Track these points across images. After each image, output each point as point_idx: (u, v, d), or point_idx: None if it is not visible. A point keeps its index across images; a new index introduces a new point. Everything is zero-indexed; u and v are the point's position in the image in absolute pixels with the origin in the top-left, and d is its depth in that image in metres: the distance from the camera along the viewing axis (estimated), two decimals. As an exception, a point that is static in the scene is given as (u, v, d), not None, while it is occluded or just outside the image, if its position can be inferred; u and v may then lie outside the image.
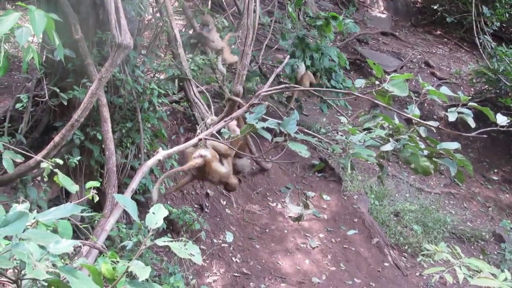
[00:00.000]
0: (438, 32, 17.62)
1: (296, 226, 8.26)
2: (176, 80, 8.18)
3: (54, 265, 1.93)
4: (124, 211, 6.28)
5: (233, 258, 7.22)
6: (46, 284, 2.19)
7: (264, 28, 12.45)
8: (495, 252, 9.39)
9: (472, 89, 14.07)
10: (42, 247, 1.91)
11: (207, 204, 7.98)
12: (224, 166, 5.46)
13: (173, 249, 2.22)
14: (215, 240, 7.41)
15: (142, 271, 2.06)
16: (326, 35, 9.67)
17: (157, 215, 2.36)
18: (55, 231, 2.43)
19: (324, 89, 7.19)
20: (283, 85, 5.32)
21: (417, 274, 8.07)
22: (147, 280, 2.28)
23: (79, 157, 5.60)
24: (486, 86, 13.32)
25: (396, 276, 7.89)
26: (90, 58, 5.72)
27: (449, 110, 3.98)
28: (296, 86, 5.68)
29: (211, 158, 5.19)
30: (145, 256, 5.82)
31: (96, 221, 5.12)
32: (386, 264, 8.10)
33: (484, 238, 9.67)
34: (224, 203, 8.19)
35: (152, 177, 6.89)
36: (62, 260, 2.83)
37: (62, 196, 6.13)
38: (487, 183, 11.92)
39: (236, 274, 6.94)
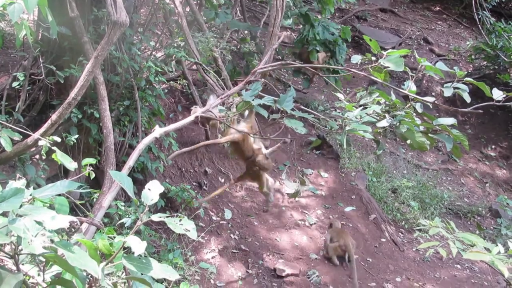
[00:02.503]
0: (437, 8, 17.51)
1: (294, 203, 8.31)
2: (174, 58, 8.15)
3: (51, 240, 1.95)
4: (122, 189, 6.33)
5: (232, 235, 7.27)
6: (43, 259, 2.22)
7: (262, 6, 12.37)
8: (491, 227, 9.48)
9: (471, 66, 14.03)
10: (38, 222, 1.93)
11: (205, 182, 8.02)
12: (255, 143, 6.17)
13: (169, 224, 2.23)
14: (213, 217, 7.46)
15: (138, 246, 2.08)
16: (327, 8, 9.63)
17: (153, 191, 2.37)
18: (52, 207, 2.44)
19: (320, 65, 7.16)
20: (278, 62, 5.30)
21: (414, 249, 8.15)
22: (144, 255, 2.32)
23: (77, 136, 5.61)
24: (485, 63, 13.27)
25: (393, 251, 7.97)
26: (86, 36, 5.69)
27: (445, 85, 3.99)
28: (292, 62, 5.66)
29: (247, 134, 5.82)
30: (144, 233, 5.86)
31: (94, 199, 5.15)
32: (383, 240, 8.17)
33: (481, 213, 9.75)
34: (223, 180, 8.22)
35: (150, 155, 6.91)
36: (59, 236, 2.86)
37: (60, 174, 6.15)
38: (484, 159, 11.97)
39: (235, 251, 7.00)
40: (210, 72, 7.08)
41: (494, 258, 3.52)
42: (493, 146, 12.41)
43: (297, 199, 8.33)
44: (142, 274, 2.20)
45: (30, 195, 2.27)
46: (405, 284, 7.24)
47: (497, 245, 3.93)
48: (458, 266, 8.08)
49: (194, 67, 8.86)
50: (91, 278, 2.29)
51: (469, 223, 9.50)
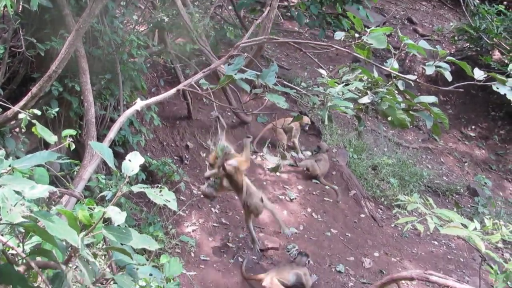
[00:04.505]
0: (422, -12, 17.47)
1: (275, 178, 8.36)
2: (157, 32, 8.07)
3: (30, 210, 1.95)
4: (104, 162, 6.30)
5: (212, 209, 7.32)
6: (23, 230, 2.22)
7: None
8: (469, 206, 9.65)
9: (454, 47, 14.09)
10: (17, 192, 1.91)
11: (187, 156, 8.02)
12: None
13: (149, 195, 2.23)
14: (194, 191, 7.49)
15: (117, 216, 2.08)
16: None
17: (133, 162, 2.36)
18: (31, 178, 2.43)
19: (305, 41, 7.14)
20: (262, 37, 5.28)
21: (392, 225, 8.28)
22: (125, 227, 2.32)
23: (57, 109, 5.54)
24: (468, 44, 13.33)
25: (372, 227, 8.09)
26: (68, 9, 5.61)
27: (427, 64, 4.02)
28: (275, 38, 5.64)
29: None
30: (124, 206, 5.88)
31: (75, 172, 5.13)
32: (363, 215, 8.28)
33: (459, 192, 9.91)
34: (204, 155, 8.22)
35: (131, 129, 6.88)
36: (40, 207, 2.85)
37: (41, 148, 6.09)
38: (464, 139, 12.12)
39: (215, 224, 7.05)
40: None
41: (470, 233, 3.59)
42: (473, 127, 12.56)
43: (278, 174, 8.39)
44: (122, 244, 2.21)
45: (9, 165, 2.25)
46: (383, 259, 7.37)
47: (473, 222, 4.01)
48: (435, 242, 8.23)
49: (177, 41, 8.80)
50: (71, 249, 2.29)
51: (447, 201, 9.66)
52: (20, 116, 3.58)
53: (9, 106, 4.44)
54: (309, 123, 9.25)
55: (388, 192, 8.94)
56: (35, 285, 2.28)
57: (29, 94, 4.70)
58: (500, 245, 7.81)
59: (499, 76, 3.84)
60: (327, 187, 8.54)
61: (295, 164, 8.83)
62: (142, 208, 6.55)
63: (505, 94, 3.80)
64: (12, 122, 5.30)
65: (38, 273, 2.13)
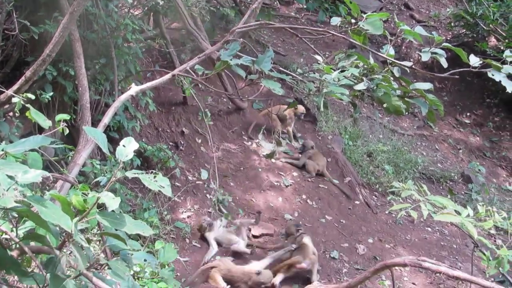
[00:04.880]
0: (419, -27, 17.37)
1: (270, 165, 8.36)
2: (152, 16, 8.01)
3: (23, 195, 1.93)
4: (98, 148, 6.28)
5: (208, 195, 7.32)
6: (16, 215, 2.21)
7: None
8: (463, 192, 9.70)
9: (450, 33, 14.05)
10: (10, 177, 1.90)
11: (182, 142, 8.00)
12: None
13: (143, 181, 2.23)
14: (190, 177, 7.49)
15: (112, 201, 2.07)
16: None
17: (127, 148, 2.35)
18: (24, 162, 2.42)
19: (301, 27, 7.10)
20: (258, 22, 5.24)
21: (386, 212, 8.31)
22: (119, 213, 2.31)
23: (51, 93, 5.51)
24: (464, 30, 13.29)
25: (366, 214, 8.12)
26: (62, -9, 5.54)
27: (422, 50, 4.00)
28: (271, 23, 5.61)
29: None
30: (119, 191, 5.86)
31: (69, 157, 5.11)
32: (357, 202, 8.31)
33: (453, 179, 9.95)
34: (200, 141, 8.21)
35: (126, 115, 6.85)
36: (33, 192, 2.85)
37: (35, 132, 6.05)
38: (459, 126, 12.15)
39: (210, 210, 7.06)
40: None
41: (463, 220, 3.61)
42: (468, 114, 12.58)
43: (273, 160, 8.39)
44: (116, 229, 2.21)
45: (2, 150, 2.24)
46: (377, 246, 7.41)
47: (467, 209, 4.03)
48: (429, 229, 8.28)
49: (173, 26, 8.74)
50: (65, 234, 2.29)
51: (441, 188, 9.70)
52: (14, 100, 3.55)
53: (3, 90, 4.40)
54: (304, 112, 9.22)
55: (383, 179, 8.97)
56: (29, 270, 2.28)
57: (23, 78, 4.65)
58: (492, 231, 7.88)
59: (494, 63, 3.83)
60: (335, 181, 8.54)
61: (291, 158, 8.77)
62: (137, 194, 6.55)
63: (500, 81, 3.79)
64: (6, 106, 5.25)
65: (32, 258, 2.13)
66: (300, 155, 8.68)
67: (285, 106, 8.28)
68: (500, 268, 4.00)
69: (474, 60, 3.94)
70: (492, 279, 5.81)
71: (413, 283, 6.74)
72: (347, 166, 8.91)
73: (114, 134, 6.52)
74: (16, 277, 2.32)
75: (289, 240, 6.50)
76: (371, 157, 9.49)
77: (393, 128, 10.80)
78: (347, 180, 8.63)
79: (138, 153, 6.73)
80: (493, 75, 3.84)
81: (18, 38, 5.79)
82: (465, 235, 8.13)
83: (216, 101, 9.10)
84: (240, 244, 6.50)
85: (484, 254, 4.32)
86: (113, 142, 6.20)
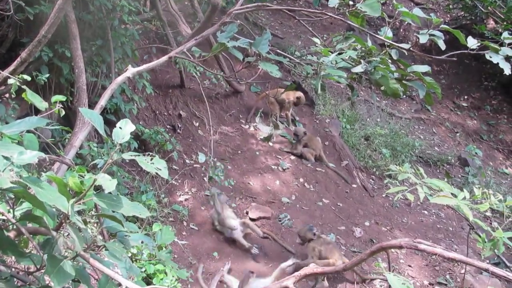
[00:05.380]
0: (418, -45, 17.22)
1: (267, 148, 8.36)
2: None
3: (20, 176, 1.93)
4: (95, 131, 6.27)
5: (205, 178, 7.32)
6: (13, 196, 2.21)
7: None
8: (459, 176, 9.73)
9: (448, 16, 14.00)
10: (6, 158, 1.89)
11: (179, 125, 7.99)
12: None
13: (140, 163, 2.21)
14: (187, 161, 7.49)
15: (108, 183, 2.06)
16: None
17: (124, 130, 2.33)
18: (20, 144, 2.40)
19: (298, 9, 7.05)
20: (255, 4, 5.20)
21: (383, 195, 8.34)
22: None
23: (48, 75, 5.46)
24: (462, 13, 13.24)
25: (363, 197, 8.15)
26: (57, -29, 5.47)
27: (420, 32, 3.98)
28: (269, 4, 5.56)
29: None
30: (117, 174, 5.86)
31: (66, 140, 5.10)
32: (354, 185, 8.34)
33: (450, 162, 9.98)
34: (197, 124, 8.20)
35: (123, 97, 6.82)
36: (29, 174, 2.84)
37: (31, 114, 6.03)
38: (456, 109, 12.15)
39: (208, 193, 7.07)
40: None
41: (459, 202, 3.62)
42: (465, 97, 12.58)
43: (270, 144, 8.40)
44: (113, 211, 2.20)
45: (-2, 131, 2.23)
46: (374, 228, 7.45)
47: (463, 192, 4.04)
48: (425, 212, 8.32)
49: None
50: (62, 216, 2.29)
51: (438, 171, 9.73)
52: (10, 81, 3.53)
53: (-1, 71, 4.38)
54: (304, 102, 9.17)
55: (380, 163, 8.99)
56: (26, 251, 2.28)
57: (18, 59, 4.62)
58: (488, 214, 7.93)
59: (492, 45, 3.82)
60: (331, 165, 8.54)
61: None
62: (135, 177, 6.55)
63: (498, 63, 3.78)
64: (2, 88, 5.23)
65: (29, 239, 2.13)
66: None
67: (283, 90, 8.27)
68: (496, 250, 4.02)
69: (472, 42, 3.92)
70: (488, 261, 5.86)
71: (409, 265, 6.79)
72: (344, 150, 8.92)
73: (111, 117, 6.49)
74: (13, 257, 2.32)
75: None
76: (368, 141, 9.50)
77: (390, 112, 10.79)
78: (345, 164, 8.65)
79: (135, 136, 6.72)
80: (491, 57, 3.82)
81: (13, 19, 5.74)
82: (461, 218, 8.18)
83: (213, 84, 9.06)
84: (238, 232, 6.48)
85: (480, 236, 4.35)
86: (110, 125, 6.16)
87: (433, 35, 4.00)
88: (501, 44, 3.89)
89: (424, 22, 4.55)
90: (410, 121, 10.81)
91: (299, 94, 9.06)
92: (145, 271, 4.87)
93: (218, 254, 6.25)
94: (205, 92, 8.42)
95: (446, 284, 6.52)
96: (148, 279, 4.85)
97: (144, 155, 2.30)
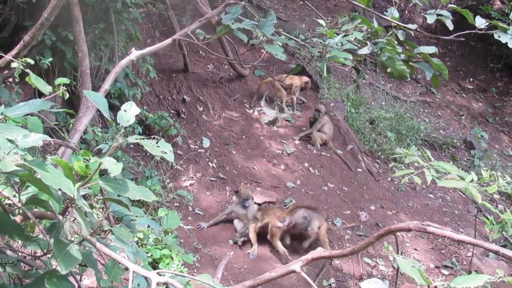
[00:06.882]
0: None
1: (272, 133, 8.33)
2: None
3: (25, 160, 1.90)
4: (100, 115, 6.24)
5: (210, 163, 7.31)
6: (18, 180, 2.18)
7: None
8: (465, 159, 9.69)
9: (454, -4, 13.85)
10: (10, 141, 1.86)
11: (183, 110, 7.95)
12: None
13: (145, 146, 2.19)
14: (192, 146, 7.46)
15: (114, 167, 2.03)
16: None
17: (128, 113, 2.30)
18: (24, 127, 2.38)
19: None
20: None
21: (389, 179, 8.31)
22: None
23: (51, 59, 5.45)
24: (468, -6, 13.09)
25: (369, 181, 8.12)
26: (58, -47, 5.40)
27: (428, 12, 3.92)
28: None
29: None
30: (121, 159, 5.84)
31: (70, 125, 5.07)
32: (359, 170, 8.30)
33: (455, 145, 9.94)
34: (201, 109, 8.16)
35: (127, 82, 6.78)
36: (34, 158, 2.81)
37: (35, 98, 6.01)
38: (461, 92, 12.07)
39: (213, 179, 7.05)
40: None
41: (467, 185, 3.59)
42: (471, 79, 12.48)
43: (275, 128, 8.36)
44: (118, 196, 2.18)
45: (1, 113, 2.20)
46: (379, 212, 7.43)
47: (470, 174, 4.01)
48: (431, 195, 8.29)
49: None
50: (68, 200, 2.27)
51: (443, 154, 9.68)
52: (13, 65, 3.49)
53: (1, 54, 4.33)
54: (309, 86, 9.12)
55: (385, 146, 8.95)
56: (33, 235, 2.27)
57: (21, 42, 4.57)
58: (496, 196, 7.89)
59: (500, 24, 3.76)
60: (338, 151, 8.49)
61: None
62: (139, 162, 6.53)
63: (506, 43, 3.72)
64: (5, 72, 5.19)
65: (35, 223, 2.11)
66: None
67: (291, 76, 8.20)
68: (504, 232, 4.01)
69: (480, 22, 3.86)
70: (495, 243, 5.84)
71: (415, 249, 6.78)
72: (349, 134, 8.87)
73: (115, 101, 6.46)
74: (20, 242, 2.31)
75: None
76: (373, 124, 9.45)
77: (395, 95, 10.73)
78: (349, 148, 8.61)
79: (140, 121, 6.69)
80: (499, 37, 3.76)
81: (16, 2, 5.70)
82: (467, 201, 8.16)
83: (217, 68, 9.00)
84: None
85: (488, 219, 4.33)
86: (114, 109, 6.15)
87: (441, 15, 3.94)
88: (509, 24, 3.83)
89: (430, 3, 4.48)
90: (415, 104, 10.74)
91: (306, 79, 9.00)
92: (151, 256, 4.87)
93: (224, 239, 6.26)
94: (209, 76, 8.37)
95: (452, 267, 6.51)
96: (154, 264, 4.85)
97: (149, 138, 2.27)
